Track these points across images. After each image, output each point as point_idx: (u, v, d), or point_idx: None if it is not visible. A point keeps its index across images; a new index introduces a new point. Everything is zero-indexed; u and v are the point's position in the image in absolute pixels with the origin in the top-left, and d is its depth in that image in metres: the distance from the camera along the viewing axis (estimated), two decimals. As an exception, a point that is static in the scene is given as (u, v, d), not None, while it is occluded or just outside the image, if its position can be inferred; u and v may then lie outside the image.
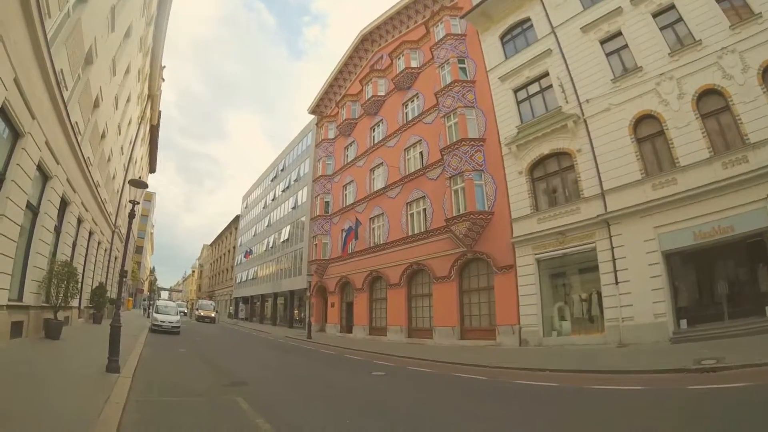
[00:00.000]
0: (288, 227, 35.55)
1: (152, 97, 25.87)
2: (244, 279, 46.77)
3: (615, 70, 13.58)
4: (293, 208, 35.07)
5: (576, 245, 13.31)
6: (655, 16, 13.00)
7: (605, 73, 13.70)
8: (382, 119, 24.34)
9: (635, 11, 13.35)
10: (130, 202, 8.61)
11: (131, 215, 8.60)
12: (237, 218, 56.25)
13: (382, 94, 24.55)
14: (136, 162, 28.54)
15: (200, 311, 38.71)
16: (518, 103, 16.32)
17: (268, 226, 41.13)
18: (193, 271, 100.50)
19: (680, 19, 12.45)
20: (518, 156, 15.34)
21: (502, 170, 15.82)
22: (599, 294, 12.92)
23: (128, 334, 14.68)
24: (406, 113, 22.46)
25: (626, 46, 13.49)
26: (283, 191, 38.29)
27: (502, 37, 17.71)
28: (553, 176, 14.73)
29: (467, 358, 11.81)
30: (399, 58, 23.03)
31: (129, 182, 7.95)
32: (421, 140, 20.62)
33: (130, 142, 22.44)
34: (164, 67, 24.77)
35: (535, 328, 13.66)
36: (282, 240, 36.26)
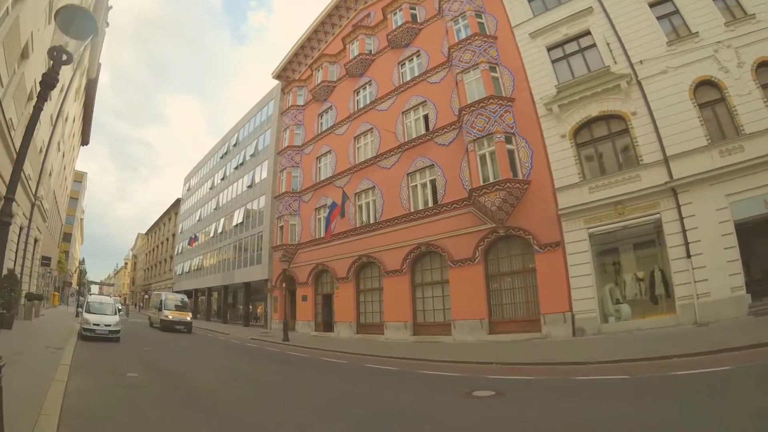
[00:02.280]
0: (242, 209, 30.59)
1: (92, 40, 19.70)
2: (186, 270, 39.92)
3: (668, 34, 12.60)
4: (249, 186, 30.23)
5: (637, 216, 11.75)
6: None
7: (658, 35, 12.67)
8: (370, 80, 21.18)
9: (685, -22, 12.41)
10: (49, 55, 3.35)
11: (48, 80, 3.29)
12: (177, 202, 48.48)
13: (371, 52, 21.41)
14: (66, 120, 21.89)
15: (168, 314, 22.46)
16: (553, 62, 14.51)
17: (216, 209, 35.27)
18: (126, 263, 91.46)
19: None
20: (560, 118, 13.46)
21: (539, 134, 13.82)
22: (662, 271, 11.60)
23: (48, 346, 10.03)
24: (403, 73, 19.61)
25: (677, 11, 12.67)
26: (236, 168, 32.95)
27: (527, -8, 15.86)
28: (601, 141, 13.06)
29: (539, 356, 9.47)
30: (396, 13, 20.10)
31: (56, 14, 3.35)
32: (425, 102, 17.95)
33: (62, 89, 16.61)
34: (111, 7, 18.90)
35: (592, 314, 11.84)
36: (234, 224, 31.16)
